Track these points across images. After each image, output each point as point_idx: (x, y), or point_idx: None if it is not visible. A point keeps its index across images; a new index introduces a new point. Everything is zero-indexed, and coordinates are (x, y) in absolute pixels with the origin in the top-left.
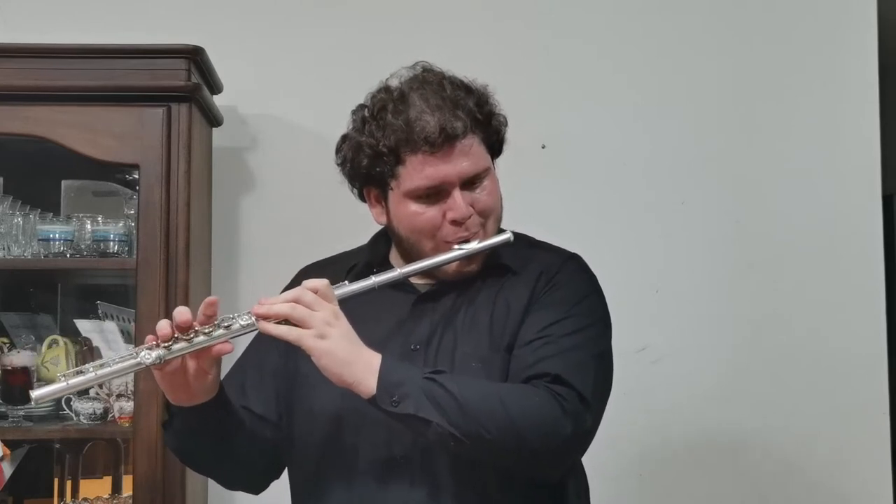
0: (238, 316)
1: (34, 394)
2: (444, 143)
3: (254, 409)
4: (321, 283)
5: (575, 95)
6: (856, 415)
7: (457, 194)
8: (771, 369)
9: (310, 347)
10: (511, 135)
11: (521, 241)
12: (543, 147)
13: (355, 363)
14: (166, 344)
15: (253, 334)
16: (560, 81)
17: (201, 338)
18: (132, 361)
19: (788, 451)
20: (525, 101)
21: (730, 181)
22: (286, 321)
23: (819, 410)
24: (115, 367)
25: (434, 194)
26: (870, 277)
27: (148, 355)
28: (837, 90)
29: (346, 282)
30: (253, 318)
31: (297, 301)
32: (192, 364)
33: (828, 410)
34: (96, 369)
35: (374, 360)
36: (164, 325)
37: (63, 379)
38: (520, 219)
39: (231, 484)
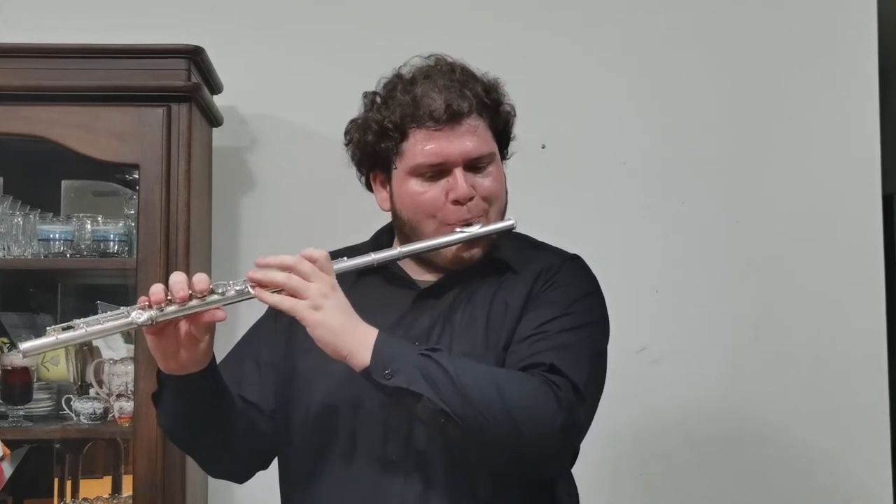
0: (233, 283)
1: (23, 346)
2: (449, 119)
3: (248, 397)
4: (320, 253)
5: (575, 95)
6: (856, 415)
7: (458, 173)
8: (771, 369)
9: (304, 318)
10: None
11: (524, 242)
12: (543, 147)
13: (350, 335)
14: (159, 306)
15: (250, 321)
16: (560, 81)
17: (194, 302)
18: (124, 321)
19: (788, 451)
20: (525, 101)
21: (730, 181)
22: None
23: (819, 410)
24: (105, 325)
25: (437, 173)
26: (870, 277)
27: (139, 315)
28: (837, 90)
29: (345, 258)
30: (248, 286)
31: (293, 269)
32: (183, 328)
33: (828, 410)
34: (87, 326)
35: (369, 333)
36: (157, 290)
37: (52, 333)
38: (520, 219)
39: (217, 469)
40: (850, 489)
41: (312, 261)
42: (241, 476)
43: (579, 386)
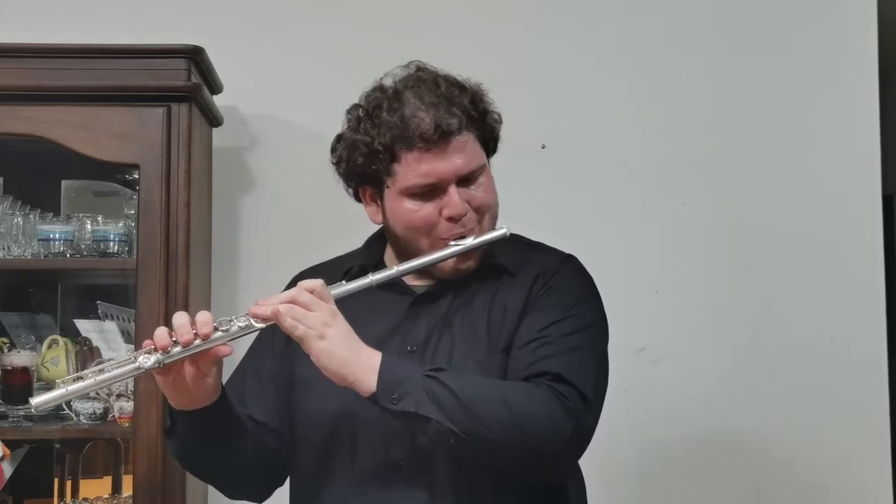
0: (236, 318)
1: (33, 401)
2: (439, 139)
3: (255, 416)
4: (316, 283)
5: (575, 95)
6: (856, 415)
7: (452, 191)
8: (771, 369)
9: (309, 348)
10: (511, 135)
11: (518, 243)
12: (543, 147)
13: (355, 362)
14: (165, 350)
15: (251, 338)
16: (560, 82)
17: (198, 341)
18: (131, 366)
19: (788, 451)
20: (525, 101)
21: (730, 181)
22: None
23: (819, 410)
24: (114, 373)
25: (430, 192)
26: (870, 277)
27: (146, 359)
28: (837, 90)
29: (343, 281)
30: (251, 320)
31: (293, 301)
32: (190, 368)
33: (828, 410)
34: (95, 375)
35: (374, 358)
36: (162, 336)
37: (62, 385)
38: (519, 219)
39: (233, 492)
40: (850, 489)
41: (309, 291)
42: (260, 496)
43: (586, 393)
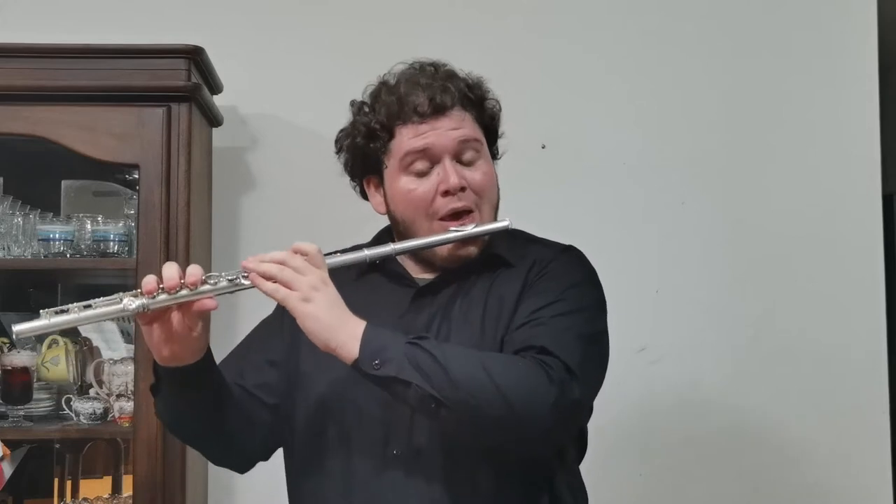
0: (226, 274)
1: (16, 328)
2: (433, 112)
3: (249, 387)
4: (311, 247)
5: (575, 96)
6: (856, 415)
7: (447, 163)
8: (771, 369)
9: (294, 309)
10: (511, 135)
11: (520, 237)
12: (543, 147)
13: (340, 328)
14: (151, 295)
15: (255, 313)
16: (560, 82)
17: (185, 291)
18: (116, 307)
19: (788, 451)
20: (525, 101)
21: (730, 181)
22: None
23: (819, 410)
24: (98, 311)
25: (427, 168)
26: (870, 277)
27: (131, 302)
28: (837, 90)
29: (338, 253)
30: (240, 276)
31: (284, 263)
32: (175, 317)
33: (828, 410)
34: (80, 310)
35: (359, 326)
36: (150, 280)
37: (46, 316)
38: (520, 219)
39: (218, 459)
40: (850, 489)
41: (304, 254)
42: (242, 466)
43: (571, 365)
